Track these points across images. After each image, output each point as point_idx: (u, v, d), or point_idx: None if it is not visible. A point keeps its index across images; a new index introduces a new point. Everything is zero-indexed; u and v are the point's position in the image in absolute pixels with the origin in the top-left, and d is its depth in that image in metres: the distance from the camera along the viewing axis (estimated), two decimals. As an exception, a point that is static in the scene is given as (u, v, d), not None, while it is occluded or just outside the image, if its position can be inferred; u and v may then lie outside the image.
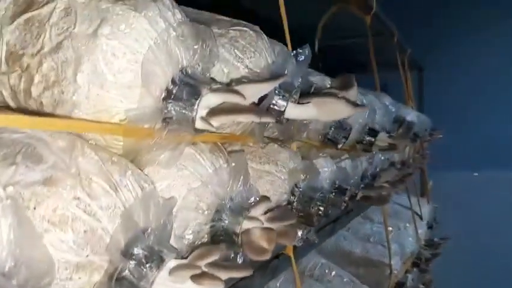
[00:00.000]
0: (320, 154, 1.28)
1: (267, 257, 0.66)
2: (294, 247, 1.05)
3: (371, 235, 2.34)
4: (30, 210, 0.49)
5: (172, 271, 0.52)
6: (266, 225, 0.70)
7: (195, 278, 0.51)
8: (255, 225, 0.69)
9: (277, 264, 1.02)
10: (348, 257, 2.03)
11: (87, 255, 0.50)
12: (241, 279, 0.86)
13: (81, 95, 0.57)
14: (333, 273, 1.76)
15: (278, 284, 1.41)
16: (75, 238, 0.49)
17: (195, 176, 0.69)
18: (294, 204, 0.90)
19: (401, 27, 2.77)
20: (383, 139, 1.47)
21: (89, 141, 0.59)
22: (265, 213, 0.72)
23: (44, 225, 0.49)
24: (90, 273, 0.50)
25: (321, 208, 0.92)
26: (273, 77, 0.61)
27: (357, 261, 2.04)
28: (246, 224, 0.69)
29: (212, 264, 0.54)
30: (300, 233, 0.94)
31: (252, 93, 0.59)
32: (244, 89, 0.58)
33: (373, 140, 1.45)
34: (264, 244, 0.66)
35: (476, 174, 4.06)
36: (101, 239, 0.51)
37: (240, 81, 0.61)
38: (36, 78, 0.59)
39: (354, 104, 0.78)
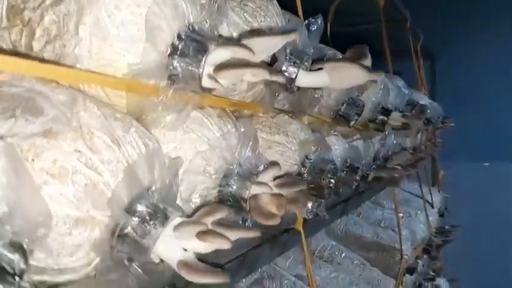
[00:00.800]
0: (332, 132, 1.25)
1: (276, 222, 0.63)
2: (304, 222, 1.02)
3: (381, 220, 2.31)
4: (29, 161, 0.47)
5: (177, 227, 0.49)
6: (275, 191, 0.67)
7: (201, 235, 0.49)
8: (263, 191, 0.66)
9: (286, 239, 1.00)
10: (359, 241, 2.00)
11: (87, 210, 0.48)
12: (250, 250, 0.84)
13: (83, 48, 0.55)
14: (343, 255, 1.74)
15: (287, 264, 1.39)
16: (75, 192, 0.47)
17: (202, 139, 0.66)
18: (305, 175, 0.88)
19: (412, 17, 2.72)
20: (396, 118, 1.43)
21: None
22: (274, 179, 0.69)
23: (43, 177, 0.47)
24: (90, 229, 0.48)
25: (332, 180, 0.89)
26: (284, 32, 0.59)
27: (368, 246, 2.01)
28: (255, 190, 0.67)
29: (219, 223, 0.52)
30: (310, 204, 0.92)
31: (262, 47, 0.56)
32: (254, 42, 0.55)
33: (386, 119, 1.42)
34: (273, 209, 0.64)
35: (486, 164, 4.01)
36: (102, 193, 0.49)
37: (248, 35, 0.58)
38: (38, 32, 0.57)
39: (369, 70, 0.75)
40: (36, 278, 0.48)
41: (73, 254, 0.48)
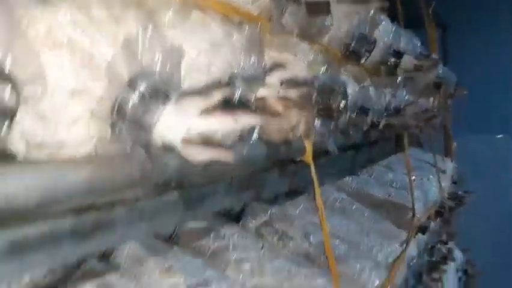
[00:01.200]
0: (342, 70, 1.22)
1: (282, 121, 0.61)
2: (314, 155, 0.99)
3: (393, 181, 2.28)
4: (22, 30, 0.45)
5: (180, 100, 0.47)
6: (282, 94, 0.65)
7: (205, 111, 0.46)
8: (270, 93, 0.64)
9: (295, 169, 0.97)
10: (370, 199, 1.98)
11: (84, 81, 0.46)
12: (258, 172, 0.82)
13: None
14: (354, 207, 1.72)
15: (297, 212, 1.37)
16: (71, 62, 0.45)
17: (205, 40, 0.64)
18: (314, 96, 0.85)
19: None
20: (408, 61, 1.40)
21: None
22: (281, 84, 0.67)
23: (37, 47, 0.45)
24: (88, 102, 0.46)
25: (342, 102, 0.86)
26: None
27: (380, 204, 1.98)
28: (261, 92, 0.64)
29: (226, 103, 0.49)
30: (318, 123, 0.89)
31: None
32: None
33: (398, 61, 1.38)
34: (280, 109, 0.61)
35: (500, 136, 3.97)
36: (99, 65, 0.46)
37: None
38: None
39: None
40: (35, 152, 0.46)
41: (71, 127, 0.46)
